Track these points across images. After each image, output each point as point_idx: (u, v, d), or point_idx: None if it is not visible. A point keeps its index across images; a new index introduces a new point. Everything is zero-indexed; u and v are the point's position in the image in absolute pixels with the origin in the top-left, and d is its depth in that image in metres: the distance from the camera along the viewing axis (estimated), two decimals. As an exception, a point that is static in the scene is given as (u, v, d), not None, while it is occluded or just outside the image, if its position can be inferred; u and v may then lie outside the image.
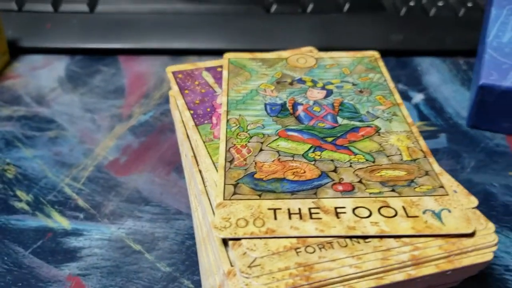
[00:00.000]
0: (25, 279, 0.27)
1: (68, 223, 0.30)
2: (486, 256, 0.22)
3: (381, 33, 0.46)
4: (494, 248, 0.22)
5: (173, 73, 0.33)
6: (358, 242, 0.22)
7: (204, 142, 0.28)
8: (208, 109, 0.30)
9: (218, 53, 0.46)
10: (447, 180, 0.24)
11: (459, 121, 0.37)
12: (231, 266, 0.21)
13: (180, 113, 0.30)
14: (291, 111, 0.30)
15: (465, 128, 0.37)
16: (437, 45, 0.45)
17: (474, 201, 0.23)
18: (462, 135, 0.36)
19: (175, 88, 0.32)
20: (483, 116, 0.36)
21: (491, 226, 0.22)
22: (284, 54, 0.35)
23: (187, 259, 0.28)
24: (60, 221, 0.30)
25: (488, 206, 0.31)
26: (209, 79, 0.33)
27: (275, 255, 0.21)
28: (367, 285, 0.21)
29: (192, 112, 0.30)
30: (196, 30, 0.47)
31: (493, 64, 0.34)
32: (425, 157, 0.26)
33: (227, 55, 0.35)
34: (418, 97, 0.40)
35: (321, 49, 0.45)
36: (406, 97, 0.40)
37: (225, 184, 0.25)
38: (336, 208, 0.23)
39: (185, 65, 0.34)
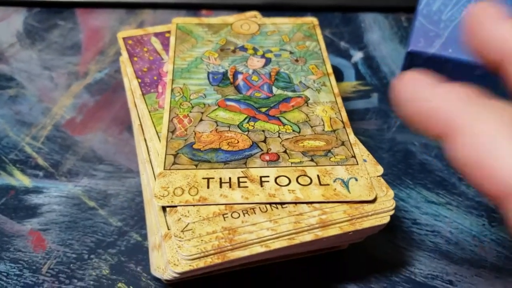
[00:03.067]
0: (-9, 234, 0.31)
1: (29, 181, 0.33)
2: (384, 219, 0.26)
3: (329, -11, 0.48)
4: (392, 212, 0.26)
5: (124, 39, 0.35)
6: (276, 208, 0.25)
7: (149, 112, 0.30)
8: (155, 77, 0.33)
9: (171, 6, 0.48)
10: (359, 150, 0.28)
11: (392, 80, 0.41)
12: (168, 229, 0.25)
13: (129, 81, 0.33)
14: (231, 80, 0.33)
15: (397, 87, 0.40)
16: (381, 2, 0.48)
17: (380, 170, 0.27)
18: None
19: (125, 54, 0.34)
20: (412, 78, 0.39)
21: (391, 193, 0.26)
22: (229, 19, 0.37)
23: (136, 214, 0.32)
24: (21, 179, 0.33)
25: (407, 164, 0.35)
26: (158, 45, 0.35)
27: (205, 220, 0.25)
28: (280, 245, 0.25)
29: (140, 80, 0.33)
30: (150, -17, 0.48)
31: (421, 31, 0.37)
32: (344, 127, 0.29)
33: (175, 20, 0.37)
34: (357, 56, 0.43)
35: (268, 4, 0.47)
36: (347, 56, 0.43)
37: (166, 154, 0.28)
38: (261, 177, 0.27)
39: (136, 31, 0.36)
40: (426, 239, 0.31)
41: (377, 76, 0.41)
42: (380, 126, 0.37)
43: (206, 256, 0.24)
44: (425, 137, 0.36)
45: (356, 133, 0.36)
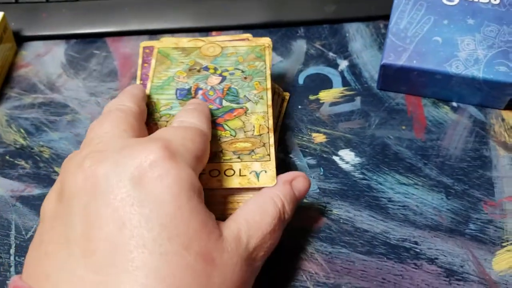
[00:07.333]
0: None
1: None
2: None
3: (316, 5, 0.57)
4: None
5: (144, 47, 0.46)
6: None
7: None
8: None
9: (186, 31, 0.57)
10: (273, 150, 0.38)
11: (372, 84, 0.50)
12: None
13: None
14: (193, 95, 0.42)
15: (376, 90, 0.50)
16: (364, 11, 0.57)
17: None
18: (372, 97, 0.49)
19: (139, 60, 0.45)
20: (387, 83, 0.48)
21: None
22: (199, 43, 0.46)
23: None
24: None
25: (383, 155, 0.45)
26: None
27: None
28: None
29: (141, 82, 0.44)
30: (168, 11, 0.57)
31: (391, 47, 0.47)
32: (268, 133, 0.39)
33: (157, 45, 0.46)
34: (343, 64, 0.52)
35: (264, 23, 0.56)
36: (334, 65, 0.52)
37: None
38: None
39: (153, 42, 0.46)
40: (398, 212, 0.41)
41: (359, 82, 0.51)
42: (362, 124, 0.47)
43: None
44: (398, 131, 0.46)
45: (343, 132, 0.46)
